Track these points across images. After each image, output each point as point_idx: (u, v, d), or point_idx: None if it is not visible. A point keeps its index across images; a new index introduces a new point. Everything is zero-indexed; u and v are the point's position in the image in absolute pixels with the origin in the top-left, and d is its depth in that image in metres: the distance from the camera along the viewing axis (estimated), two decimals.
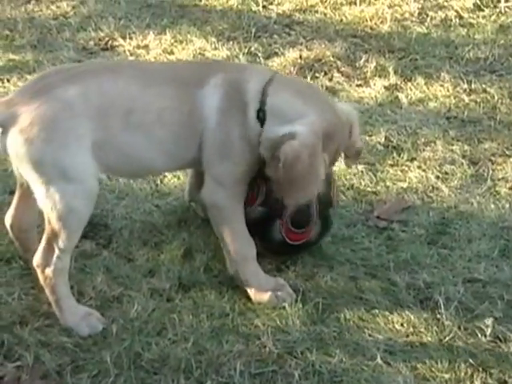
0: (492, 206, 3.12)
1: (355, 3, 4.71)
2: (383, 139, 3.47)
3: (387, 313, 2.64)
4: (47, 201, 2.46)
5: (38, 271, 2.55)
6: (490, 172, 3.31)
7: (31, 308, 2.65)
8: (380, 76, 4.02)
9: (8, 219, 2.76)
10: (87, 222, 2.57)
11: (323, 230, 2.86)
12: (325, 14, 4.64)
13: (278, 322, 2.61)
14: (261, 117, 2.58)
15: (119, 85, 2.54)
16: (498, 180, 3.27)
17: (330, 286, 2.76)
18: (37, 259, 2.55)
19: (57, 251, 2.51)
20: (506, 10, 4.57)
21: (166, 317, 2.61)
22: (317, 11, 4.68)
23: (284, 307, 2.65)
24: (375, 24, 4.52)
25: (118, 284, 2.75)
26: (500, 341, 2.52)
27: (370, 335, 2.56)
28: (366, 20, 4.55)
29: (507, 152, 3.43)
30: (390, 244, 2.96)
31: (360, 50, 4.28)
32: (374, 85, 3.94)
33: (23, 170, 2.46)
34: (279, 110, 2.59)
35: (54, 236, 2.50)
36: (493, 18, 4.50)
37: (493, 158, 3.40)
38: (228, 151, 2.61)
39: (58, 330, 2.55)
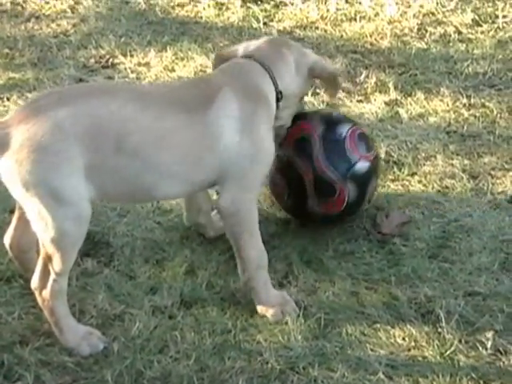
0: (492, 219, 3.13)
1: (355, 19, 4.73)
2: (384, 154, 3.48)
3: (389, 327, 2.65)
4: (39, 223, 2.45)
5: (36, 293, 2.55)
6: (490, 186, 3.32)
7: (31, 327, 2.66)
8: (380, 91, 4.04)
9: (7, 239, 2.76)
10: (82, 243, 2.55)
11: (361, 188, 2.96)
12: (325, 31, 4.66)
13: (280, 338, 2.61)
14: (279, 98, 2.79)
15: (111, 107, 2.49)
16: (498, 193, 3.28)
17: (332, 300, 2.77)
18: (34, 282, 2.55)
19: (52, 274, 2.50)
20: (504, 25, 4.59)
21: (167, 334, 2.62)
22: (317, 28, 4.70)
23: (286, 322, 2.66)
24: (375, 40, 4.54)
25: (120, 302, 2.76)
26: (501, 354, 2.52)
27: (371, 350, 2.56)
28: (366, 36, 4.57)
29: (506, 166, 3.44)
30: (391, 258, 2.97)
31: (360, 65, 4.30)
32: (375, 100, 3.96)
33: (15, 192, 2.45)
34: (285, 82, 2.82)
35: (48, 259, 2.49)
36: (491, 33, 4.52)
37: (492, 172, 3.41)
38: (258, 154, 2.67)
39: (58, 349, 2.56)
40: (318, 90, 4.02)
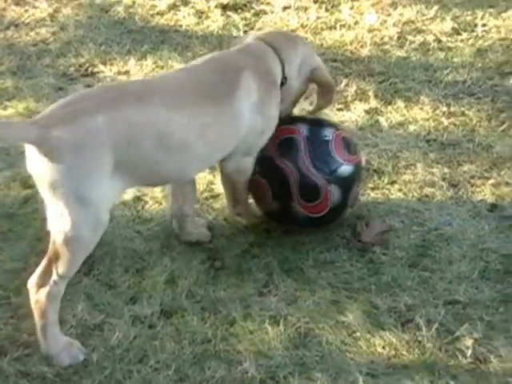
0: (472, 227, 3.14)
1: (335, 28, 4.75)
2: (364, 163, 3.48)
3: (369, 336, 2.65)
4: (58, 223, 2.46)
5: (32, 292, 2.54)
6: (470, 194, 3.34)
7: (10, 337, 2.64)
8: (360, 100, 4.05)
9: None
10: (89, 253, 2.57)
11: (344, 191, 2.97)
12: (305, 39, 4.66)
13: (261, 347, 2.61)
14: (284, 82, 2.99)
15: (147, 114, 2.58)
16: (478, 202, 3.29)
17: (312, 309, 2.76)
18: (33, 280, 2.55)
19: (54, 275, 2.51)
20: (484, 33, 4.61)
21: (147, 344, 2.61)
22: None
23: (267, 332, 2.65)
24: (355, 48, 4.56)
25: (99, 311, 2.75)
26: (480, 362, 2.53)
27: (351, 359, 2.56)
28: (346, 44, 4.59)
29: (486, 174, 3.46)
30: (371, 267, 2.97)
31: (340, 74, 4.30)
32: (355, 108, 3.97)
33: (44, 189, 2.47)
34: (291, 71, 3.03)
35: (55, 259, 2.50)
36: (470, 41, 4.54)
37: (472, 181, 3.42)
38: (267, 127, 2.93)
39: (37, 360, 2.55)
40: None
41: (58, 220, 2.46)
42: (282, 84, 2.98)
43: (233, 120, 2.80)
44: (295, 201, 2.94)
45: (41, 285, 2.53)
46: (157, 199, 3.30)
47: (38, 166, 2.44)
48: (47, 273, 2.53)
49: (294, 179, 2.92)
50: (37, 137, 2.40)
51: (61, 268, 2.50)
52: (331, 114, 3.93)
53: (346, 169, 2.98)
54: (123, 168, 2.53)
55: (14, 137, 2.47)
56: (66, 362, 2.54)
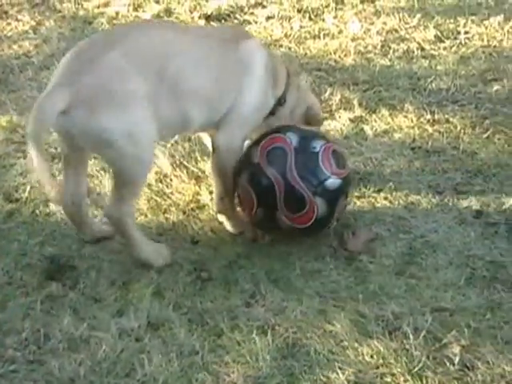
0: (457, 234, 3.14)
1: (319, 37, 4.76)
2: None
3: (356, 345, 2.64)
4: (114, 157, 2.73)
5: (110, 221, 2.90)
6: (455, 201, 3.34)
7: None
8: (345, 108, 4.05)
9: (60, 200, 2.89)
10: (142, 187, 2.94)
11: (330, 204, 2.97)
12: (289, 48, 4.68)
13: (248, 358, 2.59)
14: (281, 102, 3.20)
15: (155, 35, 2.81)
16: (463, 209, 3.30)
17: (300, 319, 2.75)
18: (106, 209, 2.92)
19: (123, 199, 2.80)
20: (466, 41, 4.63)
21: (134, 357, 2.59)
22: (281, 45, 4.72)
23: (254, 342, 2.64)
24: (339, 57, 4.57)
25: (86, 325, 2.73)
26: (468, 369, 2.52)
27: (340, 368, 2.55)
28: (330, 53, 4.60)
29: (471, 181, 3.47)
30: (358, 275, 2.97)
31: (325, 83, 4.31)
32: (339, 117, 3.97)
33: (88, 141, 2.67)
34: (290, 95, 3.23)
35: (118, 187, 2.81)
36: (453, 49, 4.56)
37: (457, 187, 3.43)
38: (263, 105, 3.09)
39: (23, 376, 2.53)
40: None
41: (113, 158, 2.73)
42: (280, 104, 3.15)
43: (236, 61, 2.96)
44: (280, 210, 2.93)
45: (115, 211, 2.83)
46: (142, 211, 3.29)
47: (78, 121, 2.59)
48: (115, 200, 2.83)
49: (280, 189, 2.91)
50: (64, 96, 2.54)
51: (127, 194, 2.81)
52: None
53: (333, 182, 2.97)
54: (152, 107, 2.70)
55: (54, 108, 2.56)
56: (160, 262, 2.94)
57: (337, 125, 3.92)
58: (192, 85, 2.83)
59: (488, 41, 4.62)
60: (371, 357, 2.59)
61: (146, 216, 3.28)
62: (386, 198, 3.39)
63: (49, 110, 2.57)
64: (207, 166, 3.41)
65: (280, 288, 2.91)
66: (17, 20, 5.07)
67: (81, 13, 5.13)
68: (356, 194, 3.40)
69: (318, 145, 2.99)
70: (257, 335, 2.68)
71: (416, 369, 2.52)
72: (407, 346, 2.62)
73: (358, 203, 3.36)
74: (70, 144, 2.79)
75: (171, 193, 3.39)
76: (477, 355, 2.57)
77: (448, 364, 2.54)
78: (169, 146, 3.63)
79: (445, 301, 2.81)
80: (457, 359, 2.55)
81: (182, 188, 3.29)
